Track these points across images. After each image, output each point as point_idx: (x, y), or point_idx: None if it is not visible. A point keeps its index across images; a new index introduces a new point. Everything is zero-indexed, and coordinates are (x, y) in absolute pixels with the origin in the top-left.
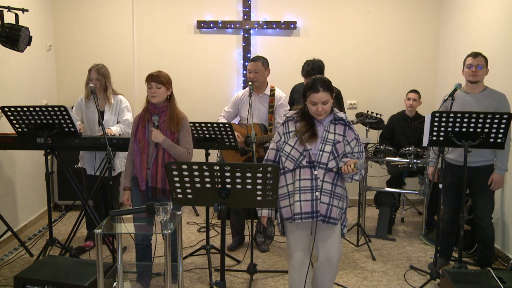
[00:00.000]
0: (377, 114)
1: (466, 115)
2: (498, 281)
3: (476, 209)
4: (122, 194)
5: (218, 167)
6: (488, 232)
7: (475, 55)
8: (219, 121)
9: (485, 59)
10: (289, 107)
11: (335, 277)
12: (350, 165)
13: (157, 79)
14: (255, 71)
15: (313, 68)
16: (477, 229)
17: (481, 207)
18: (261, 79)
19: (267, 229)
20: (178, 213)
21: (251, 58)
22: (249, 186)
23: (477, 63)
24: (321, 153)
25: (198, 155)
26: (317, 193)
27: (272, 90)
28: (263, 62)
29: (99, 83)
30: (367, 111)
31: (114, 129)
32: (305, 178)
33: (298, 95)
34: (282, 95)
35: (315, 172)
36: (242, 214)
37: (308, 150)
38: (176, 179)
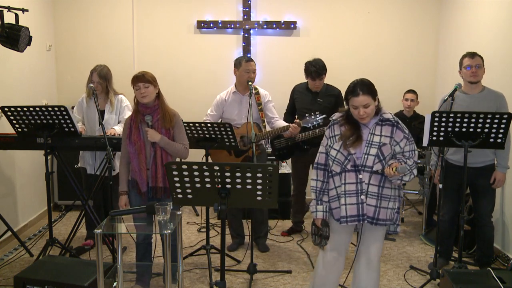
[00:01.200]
0: None
1: (466, 115)
2: (498, 281)
3: (478, 209)
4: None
5: (218, 167)
6: (488, 230)
7: (472, 55)
8: None
9: (482, 58)
10: (273, 103)
11: (378, 280)
12: (393, 168)
13: (144, 79)
14: (253, 71)
15: (320, 69)
16: (478, 228)
17: (483, 207)
18: (255, 78)
19: (322, 229)
20: (178, 213)
21: (246, 58)
22: (249, 186)
23: (476, 63)
24: (366, 156)
25: (198, 155)
26: (363, 197)
27: (256, 89)
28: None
29: (100, 86)
30: None
31: (118, 129)
32: (350, 182)
33: (299, 95)
34: (266, 92)
35: (360, 176)
36: (239, 215)
37: (352, 154)
38: (176, 179)
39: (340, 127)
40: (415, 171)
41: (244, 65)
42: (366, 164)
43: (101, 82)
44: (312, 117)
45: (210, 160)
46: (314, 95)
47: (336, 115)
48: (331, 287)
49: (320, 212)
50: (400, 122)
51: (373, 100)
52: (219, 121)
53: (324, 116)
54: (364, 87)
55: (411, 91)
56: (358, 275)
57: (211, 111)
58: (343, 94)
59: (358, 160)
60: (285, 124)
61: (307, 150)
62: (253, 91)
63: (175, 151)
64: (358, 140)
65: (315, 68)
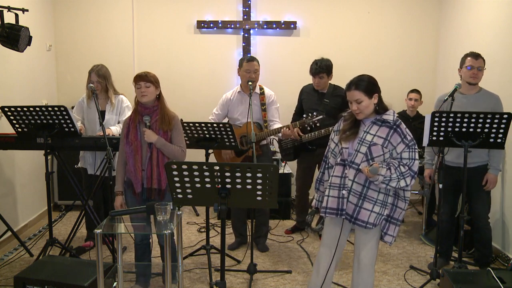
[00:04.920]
0: None
1: (466, 115)
2: (498, 281)
3: (474, 210)
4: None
5: (218, 167)
6: (486, 232)
7: (476, 56)
8: None
9: (484, 60)
10: (278, 105)
11: (368, 283)
12: (368, 167)
13: (146, 78)
14: (255, 71)
15: (320, 67)
16: (475, 229)
17: (479, 208)
18: (258, 78)
19: (307, 217)
20: (178, 213)
21: (248, 58)
22: (249, 186)
23: (478, 65)
24: (356, 153)
25: (198, 155)
26: (344, 192)
27: (261, 89)
28: (258, 62)
29: (100, 85)
30: None
31: (114, 129)
32: (336, 176)
33: (306, 96)
34: (271, 93)
35: (346, 171)
36: (243, 215)
37: (343, 148)
38: (176, 179)
39: (344, 122)
40: (408, 180)
41: (244, 65)
42: (354, 161)
43: (100, 81)
44: (310, 117)
45: (213, 158)
46: (321, 95)
47: (346, 111)
48: (319, 279)
49: (314, 200)
50: (402, 126)
51: (368, 97)
52: (224, 119)
53: (321, 117)
54: (359, 82)
55: (414, 90)
56: (352, 276)
57: (217, 110)
58: None
59: (349, 156)
60: (280, 126)
61: (313, 151)
62: (257, 91)
63: (172, 153)
64: (352, 135)
65: (316, 66)
